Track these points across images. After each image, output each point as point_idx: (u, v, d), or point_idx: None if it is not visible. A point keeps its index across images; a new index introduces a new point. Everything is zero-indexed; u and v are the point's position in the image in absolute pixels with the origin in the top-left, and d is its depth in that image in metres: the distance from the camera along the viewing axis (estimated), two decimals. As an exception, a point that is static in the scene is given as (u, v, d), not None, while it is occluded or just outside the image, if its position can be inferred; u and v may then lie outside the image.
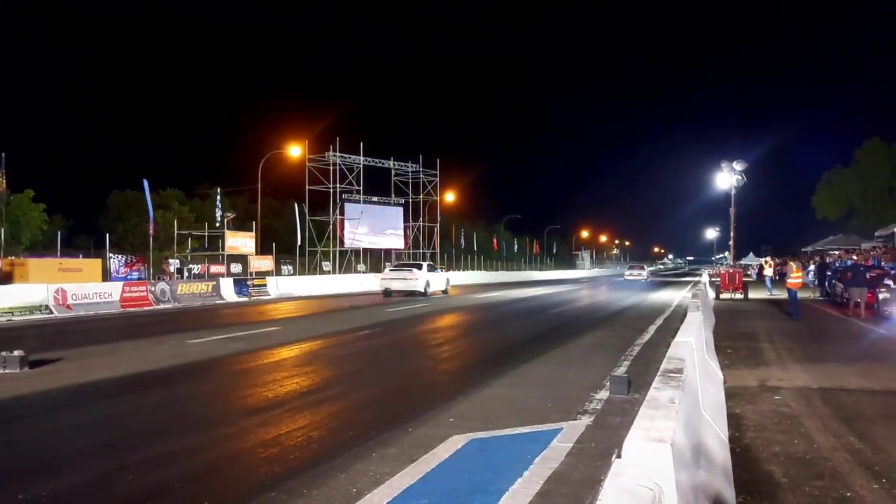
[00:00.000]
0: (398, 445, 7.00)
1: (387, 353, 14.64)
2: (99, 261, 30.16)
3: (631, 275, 68.35)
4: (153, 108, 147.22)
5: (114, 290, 26.55)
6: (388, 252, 57.64)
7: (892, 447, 6.75)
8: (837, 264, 36.64)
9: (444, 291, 38.70)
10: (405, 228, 59.01)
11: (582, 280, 71.91)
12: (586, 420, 8.00)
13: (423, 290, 35.26)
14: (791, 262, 24.61)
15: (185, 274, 35.55)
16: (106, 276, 29.82)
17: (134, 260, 33.53)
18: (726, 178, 34.22)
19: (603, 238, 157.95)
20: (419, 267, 37.80)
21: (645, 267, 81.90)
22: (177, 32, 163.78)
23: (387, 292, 35.85)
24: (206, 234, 40.90)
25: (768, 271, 38.59)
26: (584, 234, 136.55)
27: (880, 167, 62.35)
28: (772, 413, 8.30)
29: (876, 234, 42.42)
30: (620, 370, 11.32)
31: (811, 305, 26.30)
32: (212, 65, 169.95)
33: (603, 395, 9.41)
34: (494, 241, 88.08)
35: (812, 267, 39.76)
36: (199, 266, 37.45)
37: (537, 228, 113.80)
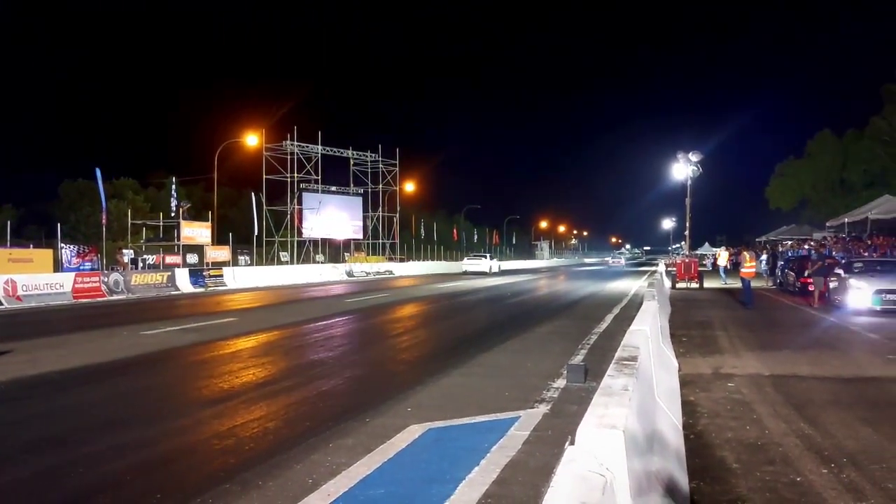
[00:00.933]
0: (355, 436, 6.97)
1: (345, 343, 14.58)
2: (50, 251, 29.55)
3: (613, 262, 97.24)
4: (106, 95, 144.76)
5: (66, 280, 26.08)
6: (346, 242, 57.38)
7: (841, 433, 6.89)
8: (790, 254, 37.30)
9: (497, 272, 58.03)
10: (364, 218, 58.79)
11: (541, 270, 72.31)
12: (543, 408, 8.05)
13: (487, 270, 57.98)
14: (745, 252, 24.98)
15: (140, 264, 35.01)
16: (58, 266, 29.23)
17: (86, 250, 32.91)
18: (682, 169, 34.62)
19: (561, 228, 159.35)
20: (486, 256, 64.34)
21: (622, 257, 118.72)
22: (129, 19, 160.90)
23: (466, 272, 56.10)
24: (161, 223, 40.32)
25: (723, 261, 39.14)
26: (543, 224, 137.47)
27: (831, 158, 63.46)
28: (725, 400, 8.42)
29: (827, 224, 43.17)
30: (577, 358, 11.40)
31: (764, 294, 26.76)
32: (166, 52, 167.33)
33: (560, 383, 9.46)
34: (454, 231, 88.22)
35: (765, 256, 40.43)
36: (154, 256, 36.88)
37: (497, 218, 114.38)
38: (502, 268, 60.64)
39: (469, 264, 59.12)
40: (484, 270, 57.31)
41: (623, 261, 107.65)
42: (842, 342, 13.70)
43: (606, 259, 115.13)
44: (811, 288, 22.28)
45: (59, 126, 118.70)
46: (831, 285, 21.22)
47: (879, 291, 18.47)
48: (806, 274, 22.80)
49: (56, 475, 5.96)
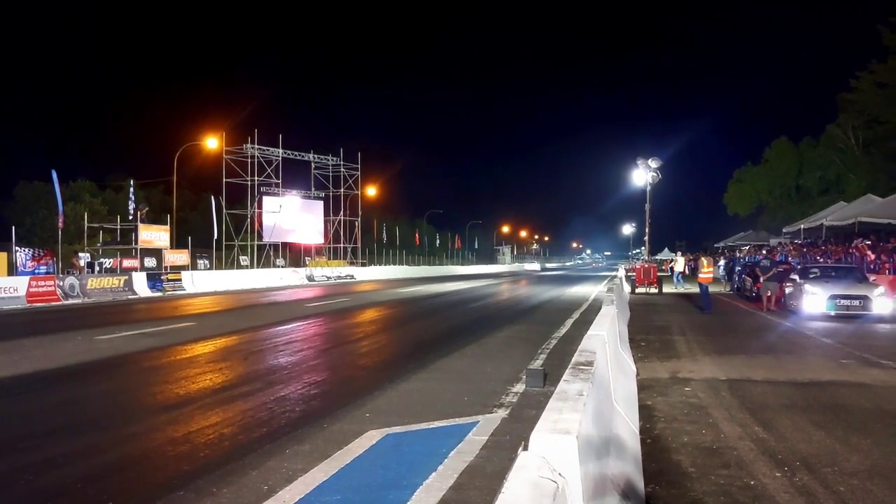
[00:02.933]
0: (312, 441, 6.91)
1: (304, 348, 14.43)
2: (4, 254, 28.93)
3: (595, 264, 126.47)
4: (63, 95, 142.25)
5: (19, 284, 25.61)
6: (307, 246, 57.02)
7: (795, 436, 6.98)
8: (747, 259, 37.84)
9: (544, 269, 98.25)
10: (326, 222, 58.48)
11: (503, 275, 72.53)
12: (502, 413, 8.05)
13: (539, 269, 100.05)
14: (702, 258, 25.26)
15: (96, 268, 34.45)
16: (11, 270, 28.66)
17: (42, 253, 32.28)
18: (642, 175, 34.92)
19: (523, 233, 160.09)
20: (535, 262, 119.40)
21: (599, 261, 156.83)
22: (87, 17, 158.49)
23: (525, 269, 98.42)
24: (119, 227, 39.77)
25: (679, 266, 39.52)
26: (505, 229, 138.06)
27: (788, 165, 64.54)
28: (682, 404, 8.49)
29: (783, 230, 43.91)
30: (537, 363, 11.45)
31: (721, 299, 27.10)
32: (125, 52, 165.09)
33: (519, 388, 9.48)
34: (416, 235, 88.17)
35: (723, 262, 40.97)
36: (111, 260, 36.32)
37: (459, 223, 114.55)
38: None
39: (527, 265, 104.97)
40: (536, 269, 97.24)
41: (598, 264, 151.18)
42: (796, 347, 13.91)
43: (597, 260, 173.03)
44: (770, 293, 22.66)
45: (15, 126, 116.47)
46: (787, 290, 21.56)
47: (834, 297, 18.81)
48: (761, 280, 23.12)
49: (4, 483, 5.81)
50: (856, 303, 18.65)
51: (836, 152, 56.52)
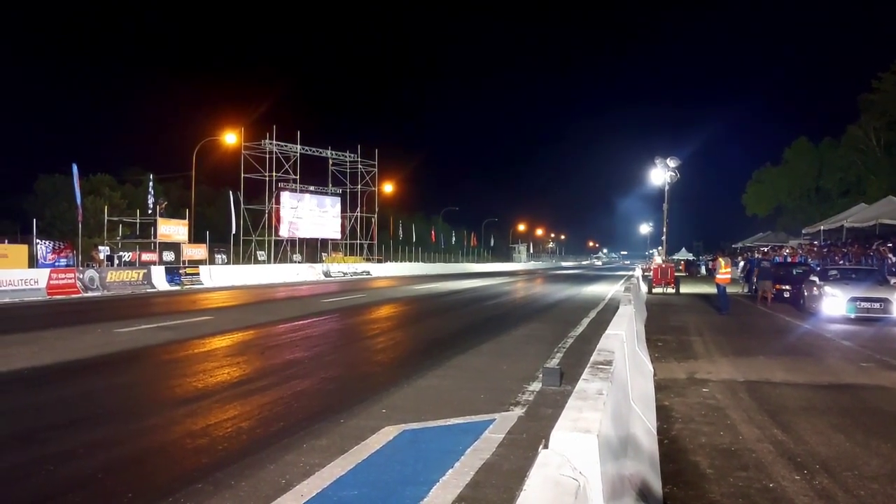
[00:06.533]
0: (329, 436, 6.93)
1: (321, 343, 14.47)
2: (25, 247, 29.23)
3: (622, 262, 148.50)
4: (84, 90, 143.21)
5: (40, 276, 25.82)
6: (324, 242, 57.17)
7: (814, 439, 6.93)
8: (765, 261, 37.60)
9: (602, 265, 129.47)
10: (342, 219, 58.58)
11: (518, 273, 72.41)
12: (518, 411, 8.04)
13: (600, 264, 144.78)
14: (720, 258, 25.10)
15: (116, 261, 34.71)
16: (32, 262, 28.95)
17: (62, 246, 32.58)
18: (660, 175, 34.72)
19: (539, 231, 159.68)
20: (595, 258, 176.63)
21: (617, 260, 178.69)
22: (105, 12, 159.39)
23: (593, 263, 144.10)
24: (138, 221, 40.02)
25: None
26: (521, 227, 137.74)
27: (807, 166, 64.06)
28: (699, 405, 8.44)
29: (803, 231, 43.57)
30: (553, 362, 11.41)
31: (739, 300, 26.94)
32: (144, 46, 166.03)
33: (536, 386, 9.46)
34: (432, 232, 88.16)
35: (741, 262, 40.69)
36: (130, 253, 36.63)
37: (475, 221, 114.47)
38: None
39: (594, 259, 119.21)
40: (596, 264, 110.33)
41: (628, 262, 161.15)
42: (816, 349, 13.80)
43: (614, 260, 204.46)
44: (769, 294, 22.83)
45: (36, 120, 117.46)
46: (806, 293, 21.41)
47: (854, 299, 18.64)
48: (754, 280, 23.32)
49: (25, 473, 5.87)
50: (876, 305, 18.47)
51: (857, 153, 56.01)
